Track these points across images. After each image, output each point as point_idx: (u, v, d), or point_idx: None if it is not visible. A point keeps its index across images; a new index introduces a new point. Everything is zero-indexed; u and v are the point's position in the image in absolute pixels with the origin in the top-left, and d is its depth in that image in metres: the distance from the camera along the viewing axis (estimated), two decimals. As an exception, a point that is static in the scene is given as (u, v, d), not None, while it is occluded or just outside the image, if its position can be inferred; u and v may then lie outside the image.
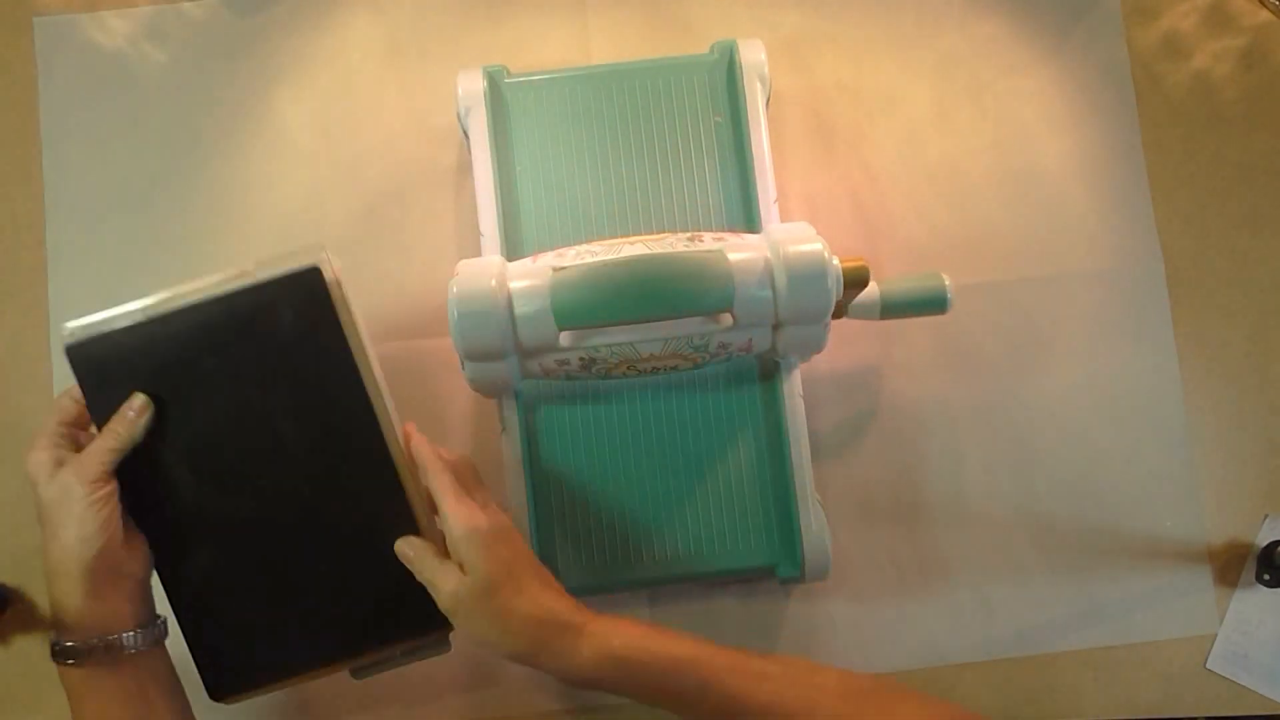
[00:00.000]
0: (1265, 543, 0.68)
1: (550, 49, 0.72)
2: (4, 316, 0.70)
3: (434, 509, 0.56)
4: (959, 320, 0.70)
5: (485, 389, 0.63)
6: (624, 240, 0.59)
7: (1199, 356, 0.70)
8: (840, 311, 0.61)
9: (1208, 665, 0.68)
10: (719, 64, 0.66)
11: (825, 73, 0.72)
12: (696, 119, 0.66)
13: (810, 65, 0.72)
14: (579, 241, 0.60)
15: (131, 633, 0.53)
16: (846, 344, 0.69)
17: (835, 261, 0.58)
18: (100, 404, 0.55)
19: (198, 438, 0.56)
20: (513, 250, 0.64)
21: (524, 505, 0.62)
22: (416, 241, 0.70)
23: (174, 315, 0.55)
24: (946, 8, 0.73)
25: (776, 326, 0.59)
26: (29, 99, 0.72)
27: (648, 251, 0.56)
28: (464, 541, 0.52)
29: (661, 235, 0.59)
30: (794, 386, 0.63)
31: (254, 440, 0.56)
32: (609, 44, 0.72)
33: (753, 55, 0.65)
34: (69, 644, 0.51)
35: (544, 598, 0.53)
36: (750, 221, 0.65)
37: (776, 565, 0.63)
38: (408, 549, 0.55)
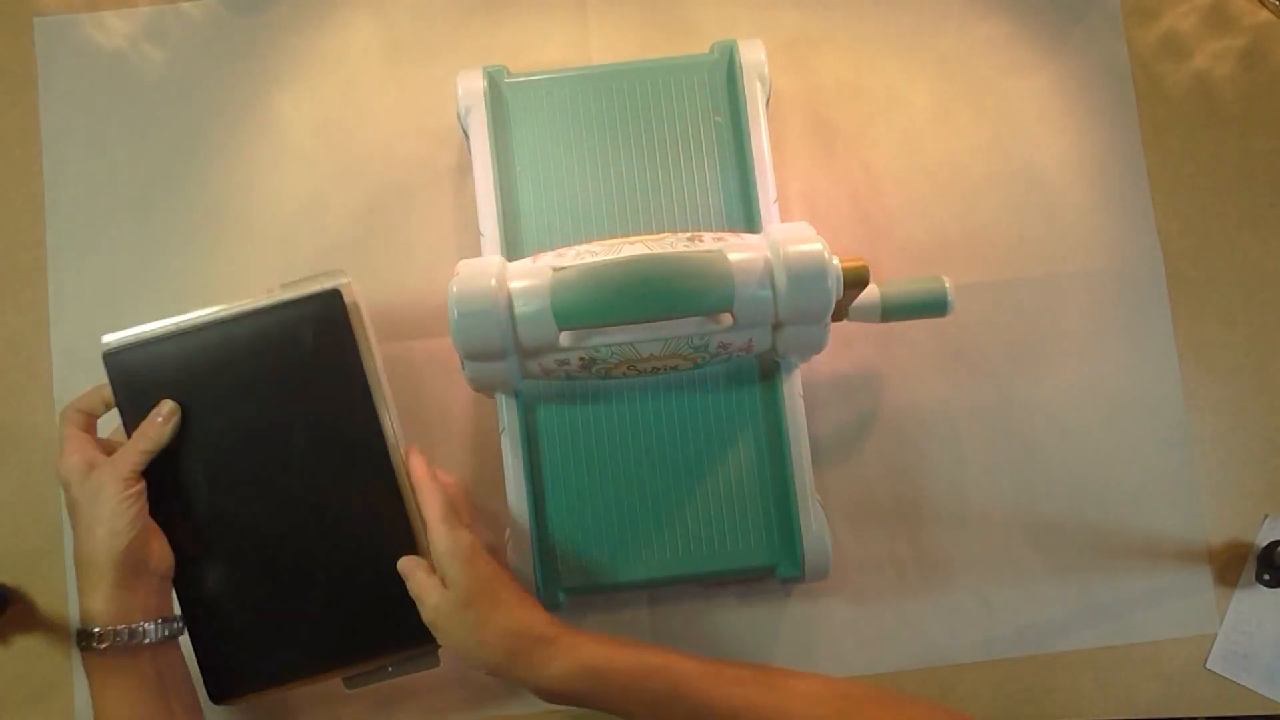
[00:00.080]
0: (1265, 543, 0.68)
1: (550, 49, 0.72)
2: (4, 316, 0.70)
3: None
4: (959, 320, 0.70)
5: (485, 389, 0.63)
6: (624, 240, 0.59)
7: (1199, 356, 0.70)
8: (841, 314, 0.61)
9: (1208, 665, 0.68)
10: (719, 64, 0.66)
11: (825, 73, 0.72)
12: (696, 119, 0.66)
13: (810, 65, 0.72)
14: (579, 241, 0.60)
15: (153, 623, 0.56)
16: (847, 346, 0.69)
17: (835, 261, 0.58)
18: (131, 407, 0.59)
19: (215, 444, 0.59)
20: (513, 250, 0.64)
21: (524, 505, 0.62)
22: (416, 241, 0.70)
23: (202, 328, 0.59)
24: (946, 8, 0.73)
25: (776, 326, 0.59)
26: (29, 99, 0.72)
27: (648, 251, 0.56)
28: (445, 557, 0.55)
29: (661, 235, 0.59)
30: (794, 387, 0.63)
31: (267, 449, 0.60)
32: (609, 44, 0.72)
33: (753, 55, 0.65)
34: (95, 630, 0.54)
35: (519, 612, 0.55)
36: (750, 221, 0.65)
37: (776, 565, 0.63)
38: (403, 564, 0.58)
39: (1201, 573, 0.69)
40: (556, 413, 0.64)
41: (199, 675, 0.60)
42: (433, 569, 0.57)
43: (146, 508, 0.57)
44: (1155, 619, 0.68)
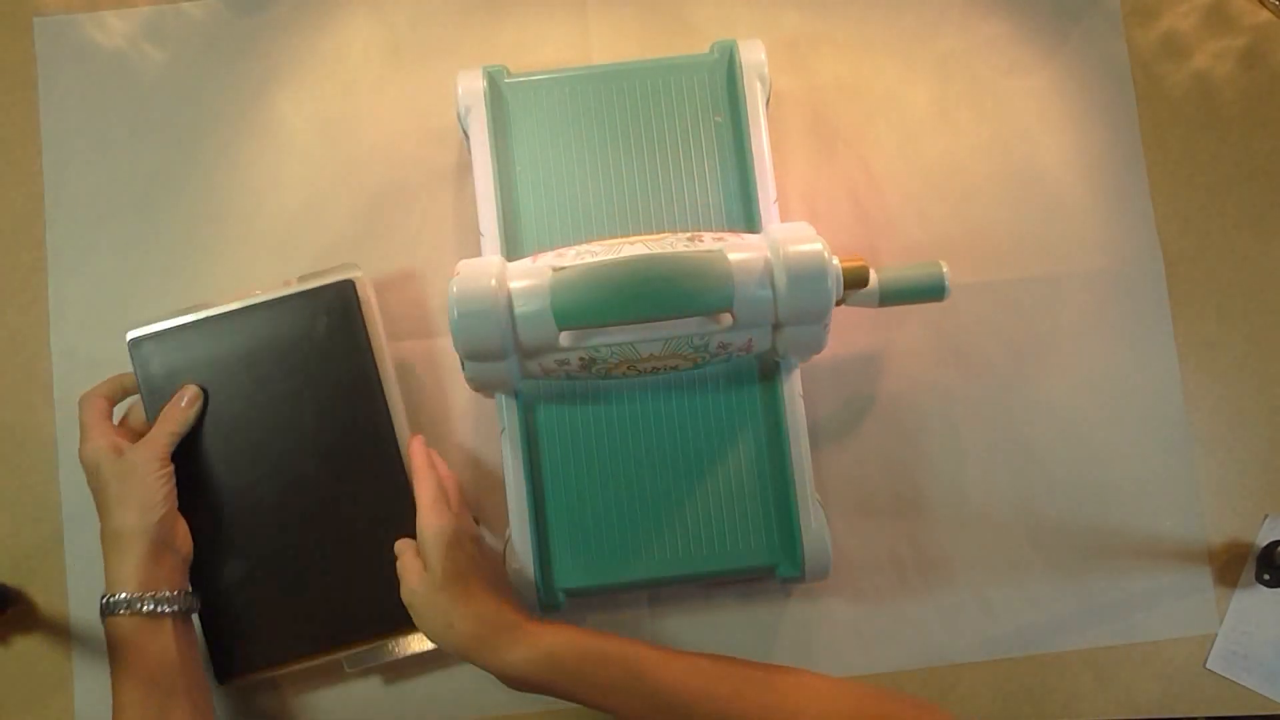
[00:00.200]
0: (1265, 543, 0.68)
1: (550, 49, 0.72)
2: (4, 316, 0.70)
3: None
4: (959, 320, 0.70)
5: (485, 389, 0.63)
6: (624, 240, 0.59)
7: (1199, 356, 0.70)
8: (839, 300, 0.61)
9: (1207, 665, 0.68)
10: (719, 64, 0.66)
11: (825, 73, 0.72)
12: (696, 119, 0.66)
13: (810, 65, 0.72)
14: (579, 241, 0.60)
15: (175, 592, 0.59)
16: (847, 345, 0.69)
17: (835, 261, 0.58)
18: (153, 393, 0.62)
19: (230, 429, 0.63)
20: (513, 250, 0.64)
21: (524, 505, 0.62)
22: (416, 241, 0.70)
23: (222, 317, 0.63)
24: (946, 8, 0.73)
25: (776, 326, 0.59)
26: (29, 99, 0.72)
27: (648, 251, 0.56)
28: (427, 542, 0.58)
29: (661, 235, 0.59)
30: (794, 386, 0.63)
31: (279, 434, 0.63)
32: (609, 44, 0.72)
33: (753, 55, 0.65)
34: (123, 596, 0.57)
35: (487, 601, 0.57)
36: (750, 221, 0.65)
37: (776, 565, 0.63)
38: (397, 545, 0.61)
39: (1201, 573, 0.69)
40: (556, 413, 0.64)
41: (205, 655, 0.62)
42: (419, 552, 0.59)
43: (175, 489, 0.60)
44: (1155, 619, 0.68)
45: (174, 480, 0.60)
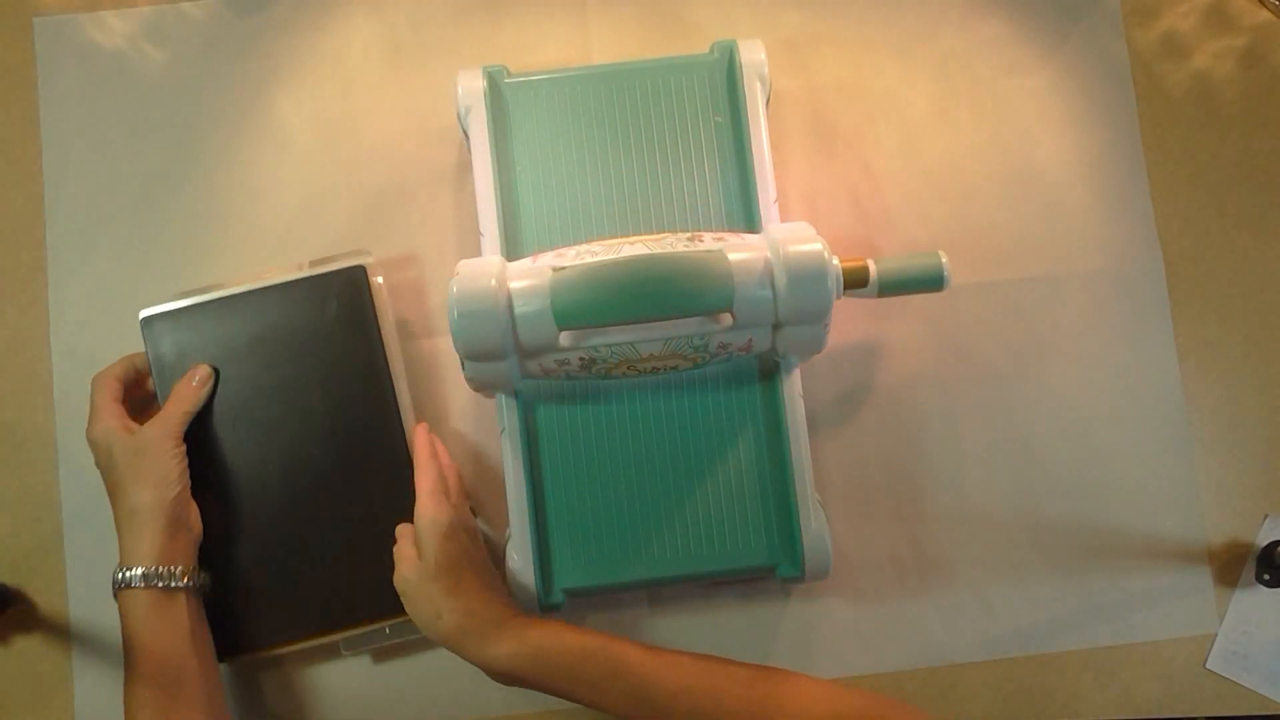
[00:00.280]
0: (1265, 543, 0.68)
1: (550, 49, 0.72)
2: (4, 316, 0.70)
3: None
4: (959, 319, 0.70)
5: (485, 389, 0.63)
6: (624, 240, 0.59)
7: (1199, 356, 0.70)
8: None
9: (1207, 665, 0.68)
10: (719, 64, 0.66)
11: (825, 73, 0.72)
12: (696, 119, 0.66)
13: (810, 65, 0.72)
14: (579, 241, 0.60)
15: (191, 569, 0.60)
16: (847, 344, 0.69)
17: (835, 261, 0.58)
18: (164, 372, 0.63)
19: (238, 410, 0.63)
20: (513, 250, 0.64)
21: (524, 505, 0.62)
22: (416, 241, 0.70)
23: (234, 298, 0.64)
24: (946, 8, 0.73)
25: (776, 326, 0.59)
26: (29, 99, 0.72)
27: (648, 251, 0.56)
28: (424, 531, 0.59)
29: (661, 235, 0.59)
30: (794, 386, 0.63)
31: (287, 415, 0.63)
32: (609, 44, 0.72)
33: (753, 55, 0.65)
34: (140, 571, 0.58)
35: (477, 595, 0.57)
36: (750, 221, 0.65)
37: (776, 565, 0.63)
38: (398, 529, 0.62)
39: (1201, 573, 0.69)
40: (556, 413, 0.64)
41: None
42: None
43: (188, 467, 0.61)
44: (1155, 619, 0.68)
45: (187, 458, 0.61)
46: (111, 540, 0.67)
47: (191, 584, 0.59)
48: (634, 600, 0.68)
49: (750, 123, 0.65)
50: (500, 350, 0.57)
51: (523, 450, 0.63)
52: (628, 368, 0.59)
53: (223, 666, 0.63)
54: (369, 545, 0.62)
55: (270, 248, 0.70)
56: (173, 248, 0.70)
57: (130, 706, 0.57)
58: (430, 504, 0.59)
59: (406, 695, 0.67)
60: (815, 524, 0.62)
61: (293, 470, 0.63)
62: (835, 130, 0.72)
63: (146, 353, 0.64)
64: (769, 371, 0.64)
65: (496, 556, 0.64)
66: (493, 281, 0.56)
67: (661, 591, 0.68)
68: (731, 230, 0.64)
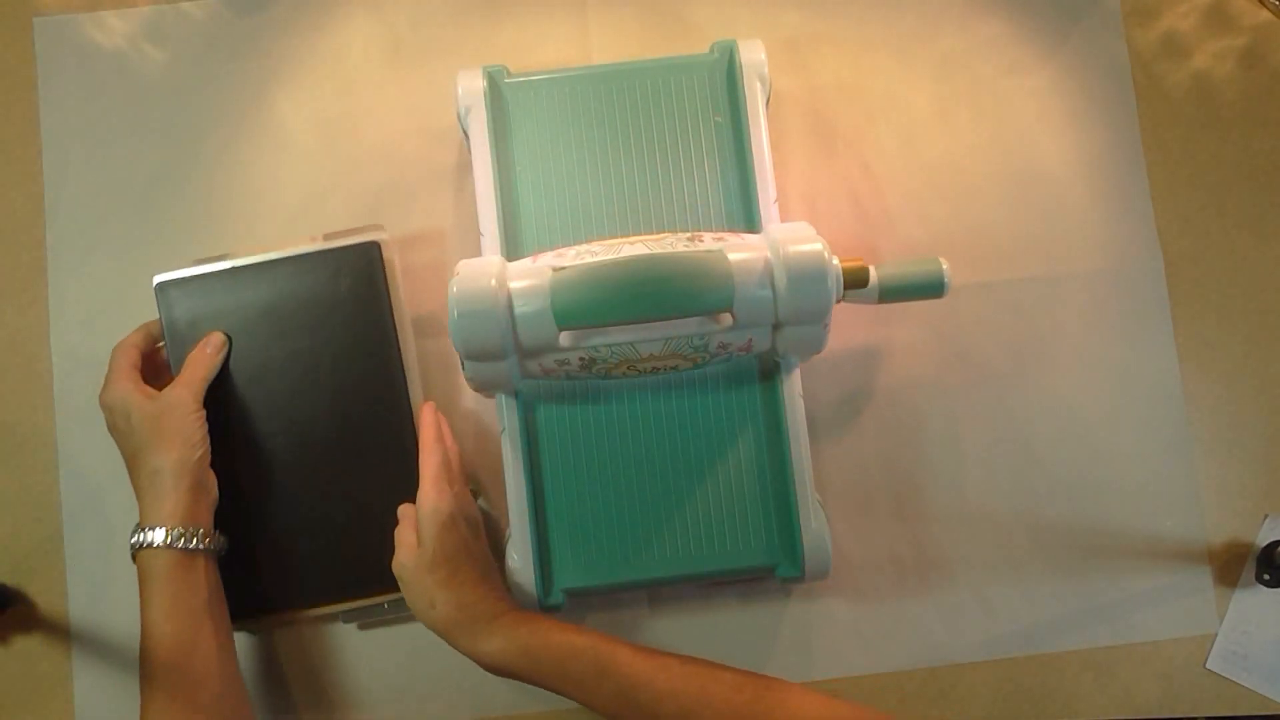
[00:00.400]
0: (1265, 543, 0.68)
1: (550, 49, 0.72)
2: (4, 316, 0.70)
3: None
4: (959, 320, 0.70)
5: (485, 388, 0.63)
6: (624, 240, 0.59)
7: (1199, 356, 0.70)
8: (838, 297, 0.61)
9: (1207, 665, 0.68)
10: (719, 64, 0.66)
11: (825, 73, 0.72)
12: (696, 119, 0.66)
13: (810, 65, 0.72)
14: (579, 241, 0.60)
15: (210, 530, 0.60)
16: (847, 344, 0.69)
17: (835, 261, 0.58)
18: (176, 336, 0.64)
19: (248, 381, 0.64)
20: (513, 250, 0.64)
21: (524, 505, 0.62)
22: (416, 241, 0.70)
23: (248, 268, 0.64)
24: (946, 8, 0.73)
25: (776, 326, 0.59)
26: (29, 99, 0.72)
27: (648, 251, 0.56)
28: (424, 520, 0.59)
29: (661, 235, 0.59)
30: (794, 386, 0.63)
31: (296, 386, 0.64)
32: (609, 44, 0.72)
33: (753, 55, 0.65)
34: (162, 531, 0.58)
35: (472, 588, 0.58)
36: (750, 221, 0.65)
37: (776, 565, 0.63)
38: (401, 509, 0.62)
39: (1201, 573, 0.69)
40: (556, 413, 0.64)
41: None
42: None
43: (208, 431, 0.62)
44: (1155, 619, 0.68)
45: (207, 423, 0.61)
46: (112, 540, 0.68)
47: (213, 547, 0.60)
48: (634, 600, 0.68)
49: (750, 123, 0.65)
50: (500, 350, 0.57)
51: (523, 450, 0.63)
52: (628, 368, 0.59)
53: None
54: (371, 520, 0.63)
55: (270, 247, 0.70)
56: (173, 247, 0.70)
57: (145, 667, 0.57)
58: (433, 491, 0.59)
59: (406, 694, 0.67)
60: (815, 524, 0.62)
61: (299, 442, 0.64)
62: (835, 130, 0.72)
63: (160, 319, 0.64)
64: (769, 371, 0.64)
65: (497, 542, 0.64)
66: (493, 281, 0.56)
67: (661, 591, 0.68)
68: (731, 230, 0.64)
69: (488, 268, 0.57)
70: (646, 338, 0.57)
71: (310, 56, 0.72)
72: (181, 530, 0.58)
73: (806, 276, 0.56)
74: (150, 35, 0.72)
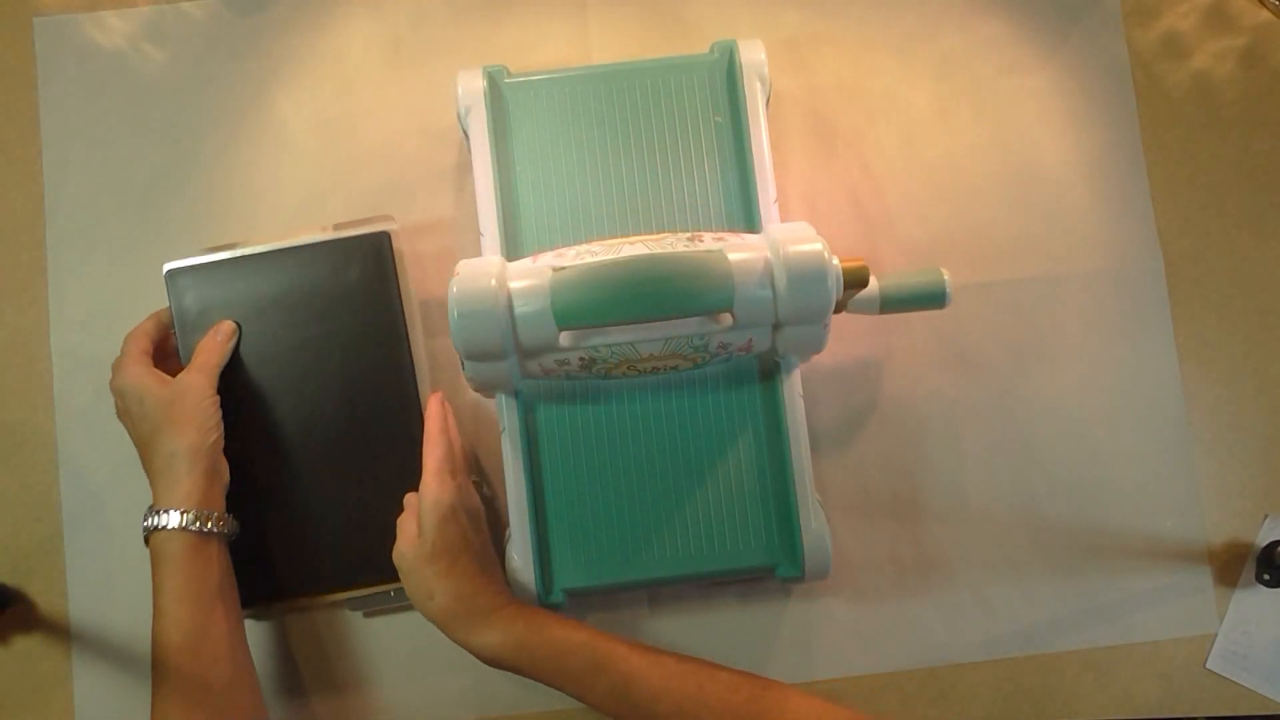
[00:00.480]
0: (1265, 543, 0.68)
1: (550, 49, 0.72)
2: (4, 316, 0.70)
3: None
4: (959, 320, 0.70)
5: (485, 388, 0.63)
6: (624, 240, 0.59)
7: (1199, 356, 0.70)
8: (840, 306, 0.61)
9: (1207, 665, 0.68)
10: (719, 64, 0.66)
11: (825, 73, 0.72)
12: (696, 119, 0.66)
13: (810, 65, 0.72)
14: (579, 241, 0.60)
15: (224, 514, 0.61)
16: (847, 344, 0.69)
17: (835, 261, 0.58)
18: (186, 324, 0.65)
19: (257, 367, 0.64)
20: (513, 250, 0.64)
21: (524, 505, 0.62)
22: (416, 241, 0.70)
23: (257, 257, 0.65)
24: (946, 8, 0.73)
25: (776, 326, 0.59)
26: (29, 99, 0.72)
27: (648, 251, 0.56)
28: (425, 511, 0.59)
29: (661, 235, 0.59)
30: (794, 386, 0.63)
31: (304, 375, 0.64)
32: (609, 44, 0.72)
33: (753, 55, 0.65)
34: (177, 513, 0.58)
35: (470, 581, 0.58)
36: (750, 221, 0.65)
37: (776, 565, 0.63)
38: (407, 499, 0.62)
39: (1201, 573, 0.69)
40: (556, 413, 0.64)
41: None
42: None
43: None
44: (1155, 619, 0.68)
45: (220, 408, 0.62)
46: (111, 540, 0.68)
47: (226, 531, 0.60)
48: (634, 600, 0.68)
49: (750, 123, 0.65)
50: (500, 350, 0.57)
51: (523, 450, 0.63)
52: (628, 368, 0.59)
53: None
54: (378, 508, 0.63)
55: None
56: (173, 247, 0.70)
57: (158, 649, 0.57)
58: (435, 483, 0.59)
59: (407, 694, 0.67)
60: (815, 524, 0.62)
61: (306, 430, 0.64)
62: (835, 130, 0.72)
63: (170, 306, 0.65)
64: (769, 371, 0.64)
65: (500, 534, 0.64)
66: (493, 281, 0.56)
67: (661, 591, 0.68)
68: (731, 230, 0.64)
69: (488, 268, 0.57)
70: (646, 338, 0.57)
71: (310, 56, 0.72)
72: (196, 513, 0.59)
73: (806, 276, 0.56)
74: (150, 35, 0.72)
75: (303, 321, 0.65)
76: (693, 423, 0.63)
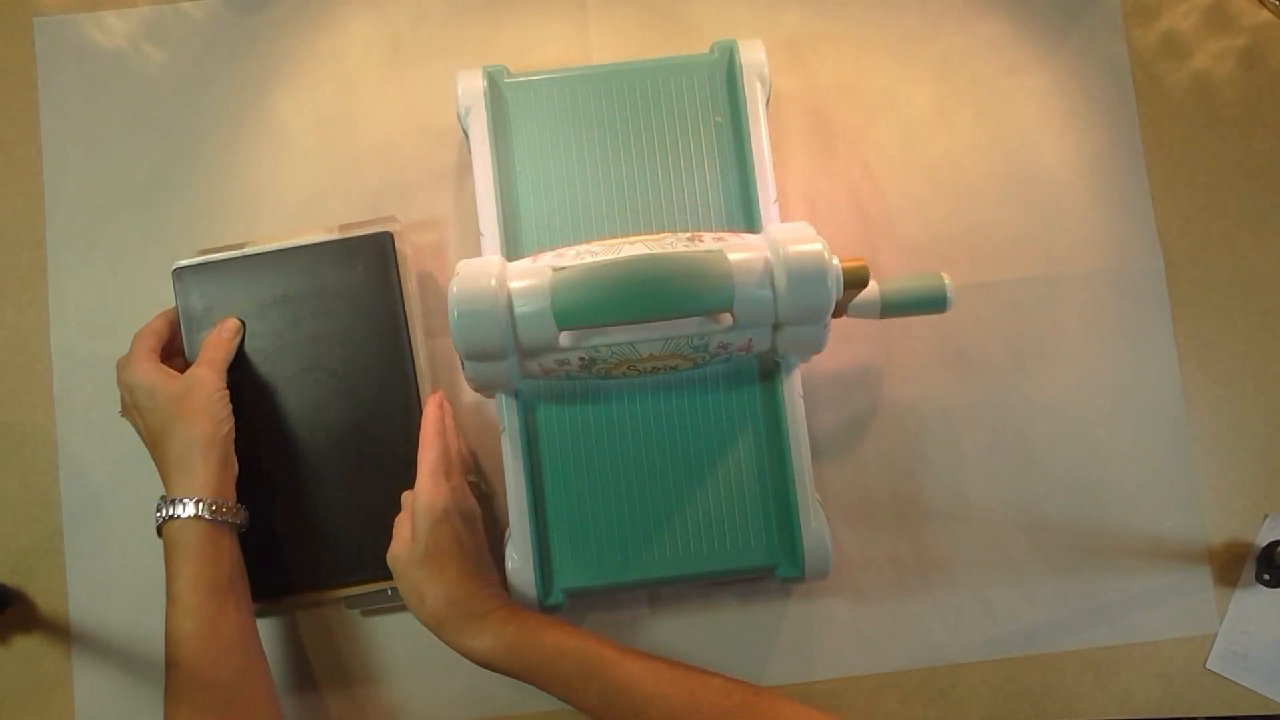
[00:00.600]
0: (1265, 543, 0.68)
1: (550, 49, 0.72)
2: (4, 316, 0.70)
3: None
4: (959, 320, 0.70)
5: (485, 388, 0.63)
6: (624, 240, 0.58)
7: (1199, 356, 0.70)
8: (840, 311, 0.61)
9: (1207, 665, 0.68)
10: (719, 64, 0.66)
11: (825, 73, 0.72)
12: (696, 119, 0.66)
13: (810, 65, 0.72)
14: (579, 241, 0.60)
15: (236, 504, 0.61)
16: (847, 343, 0.69)
17: (835, 261, 0.58)
18: (191, 322, 0.65)
19: (261, 365, 0.65)
20: (513, 250, 0.64)
21: (524, 505, 0.62)
22: (417, 241, 0.70)
23: (262, 256, 0.65)
24: (946, 8, 0.73)
25: (776, 326, 0.59)
26: (29, 99, 0.72)
27: (648, 251, 0.56)
28: (419, 513, 0.59)
29: (661, 235, 0.59)
30: (794, 386, 0.63)
31: (307, 374, 0.65)
32: (609, 44, 0.72)
33: (753, 55, 0.65)
34: (191, 501, 0.59)
35: (462, 584, 0.58)
36: (750, 221, 0.65)
37: (776, 565, 0.63)
38: (404, 497, 0.62)
39: (1201, 573, 0.69)
40: (556, 413, 0.64)
41: None
42: None
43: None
44: (1155, 619, 0.68)
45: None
46: (111, 540, 0.68)
47: (238, 521, 0.61)
48: (634, 600, 0.68)
49: (750, 123, 0.65)
50: (500, 350, 0.57)
51: (523, 450, 0.63)
52: (628, 368, 0.59)
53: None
54: (377, 507, 0.63)
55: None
56: (172, 247, 0.70)
57: (172, 638, 0.57)
58: (428, 485, 0.59)
59: (407, 694, 0.67)
60: (815, 524, 0.62)
61: (308, 428, 0.65)
62: (835, 130, 0.72)
63: (176, 304, 0.65)
64: (769, 371, 0.64)
65: (497, 537, 0.64)
66: (493, 281, 0.56)
67: (661, 591, 0.68)
68: (731, 230, 0.64)
69: (488, 268, 0.57)
70: (646, 338, 0.57)
71: (310, 56, 0.72)
72: (211, 502, 0.59)
73: (806, 276, 0.56)
74: (150, 35, 0.72)
75: (306, 320, 0.65)
76: (693, 423, 0.63)
